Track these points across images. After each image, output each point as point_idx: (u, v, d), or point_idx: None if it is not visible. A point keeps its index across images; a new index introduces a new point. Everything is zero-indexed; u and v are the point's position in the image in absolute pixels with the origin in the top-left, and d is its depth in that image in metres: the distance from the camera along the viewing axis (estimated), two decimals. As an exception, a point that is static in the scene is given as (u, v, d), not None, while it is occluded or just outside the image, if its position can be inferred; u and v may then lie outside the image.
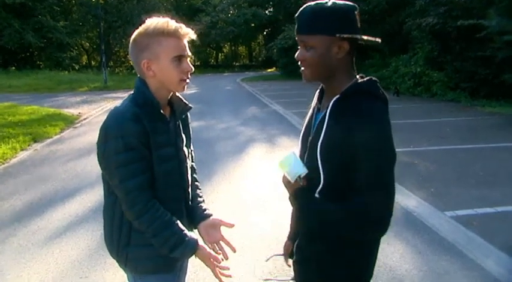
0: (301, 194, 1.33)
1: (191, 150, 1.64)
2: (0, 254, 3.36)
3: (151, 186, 1.37)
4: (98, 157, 1.38)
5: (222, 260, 1.47)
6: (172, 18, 1.41)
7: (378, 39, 1.28)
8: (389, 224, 1.22)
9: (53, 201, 4.58)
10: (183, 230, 1.41)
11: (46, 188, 5.04)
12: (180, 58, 1.37)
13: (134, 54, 1.40)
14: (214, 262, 1.44)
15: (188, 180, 1.56)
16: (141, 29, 1.39)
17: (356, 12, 1.24)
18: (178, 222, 1.41)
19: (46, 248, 3.44)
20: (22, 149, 7.21)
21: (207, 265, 1.45)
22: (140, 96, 1.39)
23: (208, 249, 1.47)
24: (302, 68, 1.29)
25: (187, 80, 1.41)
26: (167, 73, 1.37)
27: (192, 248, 1.42)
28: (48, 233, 3.76)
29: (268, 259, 1.68)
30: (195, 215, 1.58)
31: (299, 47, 1.28)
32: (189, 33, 1.38)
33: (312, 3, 1.24)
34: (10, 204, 4.50)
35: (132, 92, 1.44)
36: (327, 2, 1.22)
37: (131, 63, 1.48)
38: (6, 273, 3.05)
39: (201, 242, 1.48)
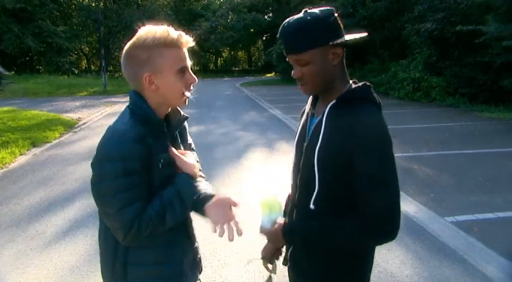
0: (298, 228, 1.32)
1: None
2: (-1, 259, 3.34)
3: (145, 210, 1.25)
4: (92, 181, 1.25)
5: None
6: (171, 23, 1.32)
7: (364, 33, 1.30)
8: (399, 226, 1.21)
9: (52, 206, 4.56)
10: (171, 193, 1.27)
11: (45, 192, 5.02)
12: (183, 69, 1.28)
13: (131, 68, 1.27)
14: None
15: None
16: (135, 40, 1.25)
17: (336, 15, 1.25)
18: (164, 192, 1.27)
19: (45, 254, 3.42)
20: (21, 154, 7.19)
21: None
22: (140, 113, 1.27)
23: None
24: (301, 85, 1.28)
25: (189, 94, 1.32)
26: (171, 87, 1.27)
27: (189, 185, 1.30)
28: (47, 238, 3.74)
29: (248, 263, 1.66)
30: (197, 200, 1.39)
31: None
32: (189, 42, 1.29)
33: (292, 19, 1.24)
34: (9, 209, 4.48)
35: (128, 104, 1.33)
36: (304, 15, 1.22)
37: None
38: (5, 279, 3.03)
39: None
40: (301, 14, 1.23)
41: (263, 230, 1.36)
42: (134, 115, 1.27)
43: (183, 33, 1.27)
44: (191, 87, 1.32)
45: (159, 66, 1.24)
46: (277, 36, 1.27)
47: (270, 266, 1.56)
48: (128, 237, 1.22)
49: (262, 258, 1.58)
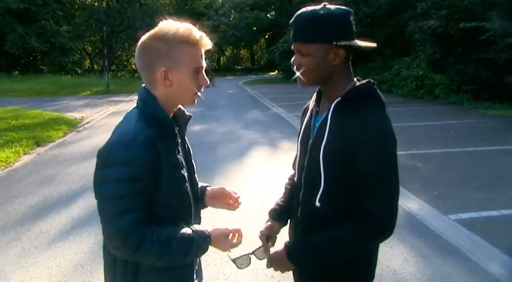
0: (301, 244, 1.34)
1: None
2: (3, 258, 3.36)
3: (148, 219, 1.20)
4: (94, 183, 1.23)
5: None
6: (176, 21, 1.33)
7: (373, 44, 1.28)
8: (395, 225, 1.24)
9: (56, 205, 4.58)
10: (187, 233, 1.25)
11: (49, 191, 5.05)
12: (198, 70, 1.26)
13: (146, 59, 1.24)
14: (233, 239, 1.37)
15: (198, 197, 1.46)
16: (157, 32, 1.23)
17: (351, 17, 1.24)
18: (181, 229, 1.26)
19: (49, 252, 3.44)
20: (25, 153, 7.22)
21: (224, 247, 1.36)
22: (150, 113, 1.23)
23: (220, 229, 1.34)
24: (298, 74, 1.29)
25: (199, 94, 1.30)
26: (185, 85, 1.25)
27: (205, 240, 1.28)
28: (51, 237, 3.76)
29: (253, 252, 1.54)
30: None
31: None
32: (208, 44, 1.27)
33: (307, 9, 1.24)
34: (13, 208, 4.51)
35: (136, 105, 1.29)
36: (319, 9, 1.22)
37: (134, 67, 1.37)
38: (10, 278, 3.06)
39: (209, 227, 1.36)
40: (318, 7, 1.24)
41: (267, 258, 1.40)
42: (143, 115, 1.23)
43: (204, 35, 1.26)
44: (202, 89, 1.31)
45: (177, 62, 1.22)
46: (290, 21, 1.28)
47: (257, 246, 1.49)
48: (123, 248, 1.18)
49: (262, 246, 1.52)
